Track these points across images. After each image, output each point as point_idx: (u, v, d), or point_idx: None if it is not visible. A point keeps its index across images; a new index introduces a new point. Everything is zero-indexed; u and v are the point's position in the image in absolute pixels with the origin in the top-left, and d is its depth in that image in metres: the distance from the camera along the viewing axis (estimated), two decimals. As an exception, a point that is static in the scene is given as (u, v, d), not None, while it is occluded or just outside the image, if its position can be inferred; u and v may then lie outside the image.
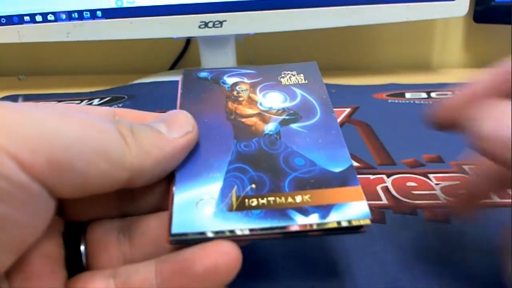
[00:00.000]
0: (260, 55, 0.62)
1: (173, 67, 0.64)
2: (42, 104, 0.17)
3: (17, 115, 0.15)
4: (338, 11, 0.48)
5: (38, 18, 0.49)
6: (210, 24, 0.49)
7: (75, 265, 0.19)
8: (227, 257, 0.17)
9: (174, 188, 0.19)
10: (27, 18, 0.49)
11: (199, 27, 0.49)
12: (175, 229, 0.17)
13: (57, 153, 0.15)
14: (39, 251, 0.17)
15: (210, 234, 0.17)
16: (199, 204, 0.19)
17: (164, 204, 0.20)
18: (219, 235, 0.17)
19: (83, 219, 0.20)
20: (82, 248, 0.19)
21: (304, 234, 0.18)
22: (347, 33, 0.61)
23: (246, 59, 0.61)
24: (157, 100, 0.48)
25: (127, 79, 0.57)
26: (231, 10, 0.48)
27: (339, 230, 0.18)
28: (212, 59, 0.54)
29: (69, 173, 0.15)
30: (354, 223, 0.18)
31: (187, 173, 0.20)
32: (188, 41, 0.62)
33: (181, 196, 0.19)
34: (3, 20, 0.49)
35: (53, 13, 0.49)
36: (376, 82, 0.53)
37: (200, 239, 0.17)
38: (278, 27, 0.50)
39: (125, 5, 0.48)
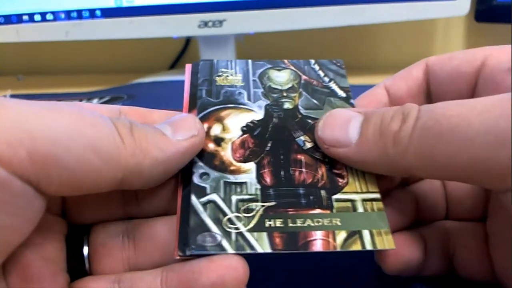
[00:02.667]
0: (261, 54, 0.62)
1: (172, 66, 0.63)
2: (31, 101, 0.16)
3: None
4: (339, 11, 0.48)
5: (37, 17, 0.48)
6: (210, 24, 0.49)
7: (77, 268, 0.18)
8: (235, 272, 0.16)
9: (182, 193, 0.18)
10: (25, 18, 0.48)
11: (199, 26, 0.49)
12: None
13: (40, 146, 0.14)
14: (39, 253, 0.17)
15: (230, 251, 0.17)
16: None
17: (172, 207, 0.19)
18: (239, 252, 0.17)
19: (87, 221, 0.20)
20: (85, 251, 0.19)
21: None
22: (347, 33, 0.60)
23: (247, 59, 0.60)
24: (156, 99, 0.48)
25: (126, 79, 0.56)
26: (231, 9, 0.48)
27: None
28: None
29: (56, 168, 0.15)
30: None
31: None
32: (188, 40, 0.62)
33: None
34: (1, 20, 0.48)
35: (52, 12, 0.48)
36: (377, 82, 0.52)
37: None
38: (278, 26, 0.49)
39: (125, 4, 0.48)
